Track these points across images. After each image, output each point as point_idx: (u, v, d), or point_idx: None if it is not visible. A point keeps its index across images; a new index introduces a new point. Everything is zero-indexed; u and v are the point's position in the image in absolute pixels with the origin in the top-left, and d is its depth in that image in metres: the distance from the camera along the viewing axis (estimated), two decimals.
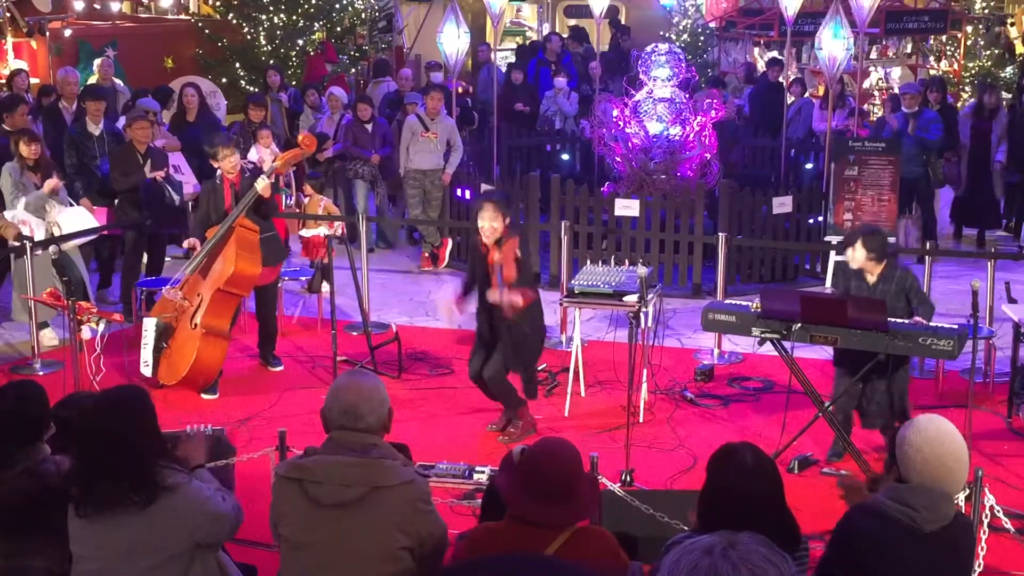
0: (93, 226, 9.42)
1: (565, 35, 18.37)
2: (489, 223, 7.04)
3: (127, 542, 3.86)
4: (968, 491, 5.32)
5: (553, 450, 3.86)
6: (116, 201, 9.94)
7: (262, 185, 8.06)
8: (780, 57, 15.83)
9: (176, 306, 8.12)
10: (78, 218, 9.30)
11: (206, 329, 8.00)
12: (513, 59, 17.56)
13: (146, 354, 8.08)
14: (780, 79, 14.41)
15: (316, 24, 16.48)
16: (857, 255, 6.79)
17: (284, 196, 11.09)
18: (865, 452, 6.95)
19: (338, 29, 17.08)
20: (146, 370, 8.07)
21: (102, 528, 3.87)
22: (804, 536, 3.74)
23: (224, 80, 15.55)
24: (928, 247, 9.58)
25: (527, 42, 20.40)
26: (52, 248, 8.76)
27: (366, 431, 3.91)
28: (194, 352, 7.94)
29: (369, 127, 12.01)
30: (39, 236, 8.88)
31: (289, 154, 8.66)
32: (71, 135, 10.32)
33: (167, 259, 10.51)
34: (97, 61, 13.45)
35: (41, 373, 8.38)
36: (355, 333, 9.38)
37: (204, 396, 8.15)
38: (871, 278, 6.84)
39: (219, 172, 8.36)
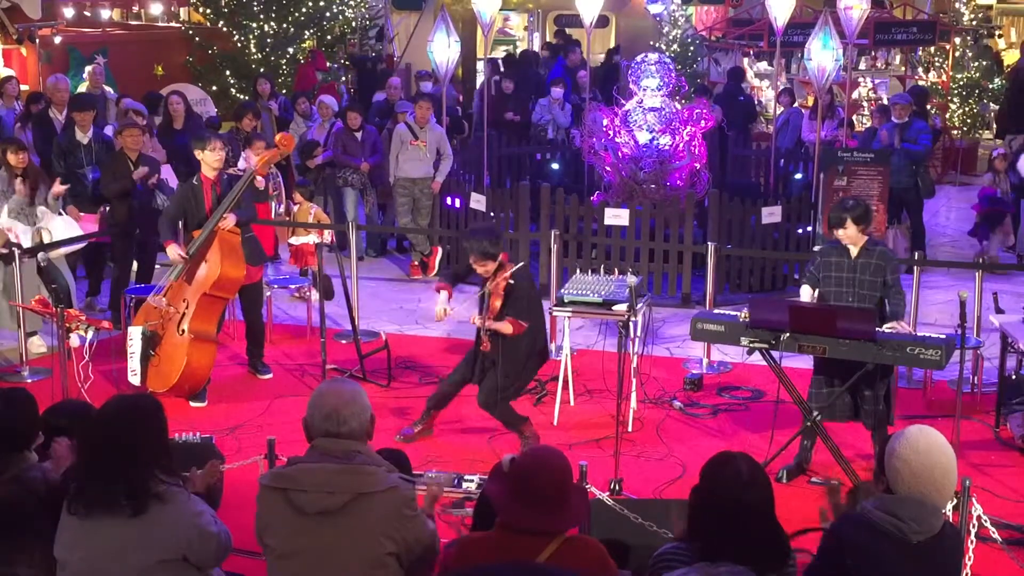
0: (81, 233, 9.41)
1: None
2: (479, 266, 7.12)
3: (116, 544, 3.88)
4: (955, 501, 5.33)
5: (542, 458, 3.87)
6: (107, 208, 9.93)
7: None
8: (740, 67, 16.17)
9: (162, 313, 8.10)
10: (67, 227, 9.29)
11: (194, 334, 7.99)
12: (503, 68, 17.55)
13: (134, 363, 8.05)
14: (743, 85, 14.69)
15: (307, 32, 16.49)
16: (849, 232, 6.84)
17: (273, 203, 11.08)
18: (852, 460, 6.97)
19: (328, 38, 17.08)
20: (134, 379, 8.05)
21: (92, 528, 3.89)
22: (792, 550, 3.74)
23: (214, 88, 15.54)
24: (917, 257, 9.61)
25: (516, 51, 20.44)
26: (41, 255, 8.74)
27: (349, 436, 3.91)
28: (184, 358, 7.93)
29: (359, 135, 12.02)
30: (26, 243, 8.86)
31: (267, 154, 8.64)
32: (59, 143, 10.30)
33: (157, 266, 10.48)
34: (87, 68, 13.43)
35: (29, 381, 8.36)
36: (344, 341, 9.38)
37: (193, 404, 8.13)
38: (853, 251, 6.90)
39: (197, 174, 8.33)
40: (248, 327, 8.82)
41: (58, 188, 9.22)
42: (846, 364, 6.73)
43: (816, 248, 8.69)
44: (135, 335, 8.06)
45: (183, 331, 8.00)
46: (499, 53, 20.51)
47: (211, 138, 8.33)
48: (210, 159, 8.21)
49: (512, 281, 7.09)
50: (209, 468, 4.54)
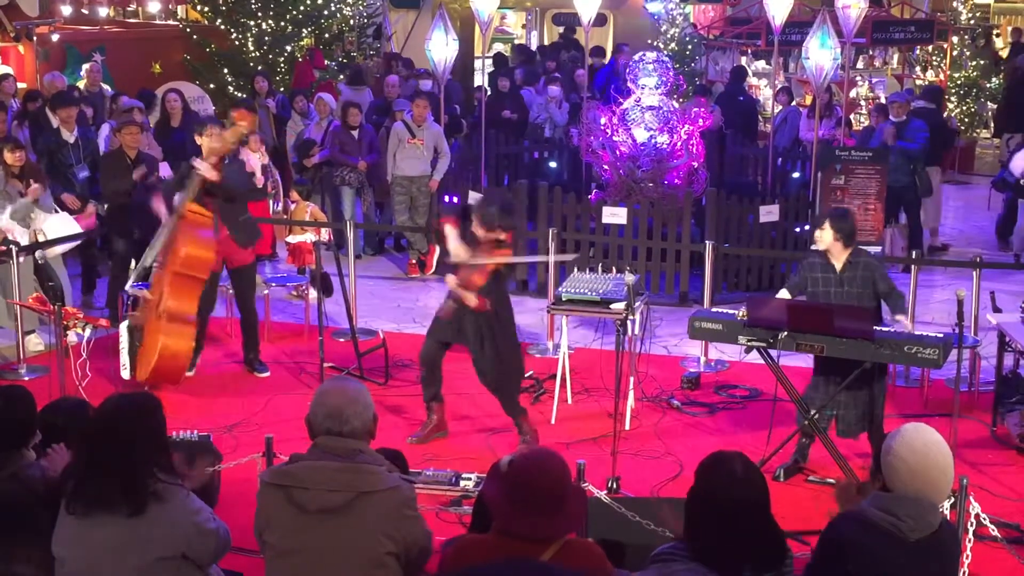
0: (77, 231, 9.42)
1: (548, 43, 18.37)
2: (480, 232, 7.03)
3: (115, 542, 3.87)
4: (953, 499, 5.34)
5: (540, 461, 3.80)
6: (106, 207, 9.94)
7: (203, 167, 8.09)
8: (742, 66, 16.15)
9: (145, 302, 8.23)
10: (63, 225, 9.29)
11: (168, 314, 8.03)
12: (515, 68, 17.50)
13: (124, 357, 8.16)
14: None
15: (304, 30, 16.48)
16: (825, 236, 6.84)
17: (271, 201, 11.09)
18: (849, 459, 6.97)
19: (326, 36, 17.07)
20: (125, 373, 8.13)
21: (91, 526, 3.89)
22: (790, 549, 3.74)
23: (212, 86, 15.53)
24: (914, 256, 9.62)
25: (508, 50, 20.42)
26: (38, 253, 8.75)
27: (351, 436, 3.90)
28: (159, 340, 7.97)
29: (356, 133, 12.02)
30: (22, 241, 8.86)
31: (226, 132, 8.59)
32: (46, 143, 10.33)
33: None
34: (85, 66, 13.42)
35: (27, 378, 8.35)
36: (342, 339, 9.38)
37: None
38: (837, 265, 6.89)
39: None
40: (242, 317, 8.81)
41: (34, 188, 9.16)
42: (848, 367, 6.72)
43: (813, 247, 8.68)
44: (123, 331, 8.16)
45: (159, 314, 8.08)
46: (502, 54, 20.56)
47: (208, 124, 8.42)
48: (208, 145, 8.29)
49: (502, 271, 7.07)
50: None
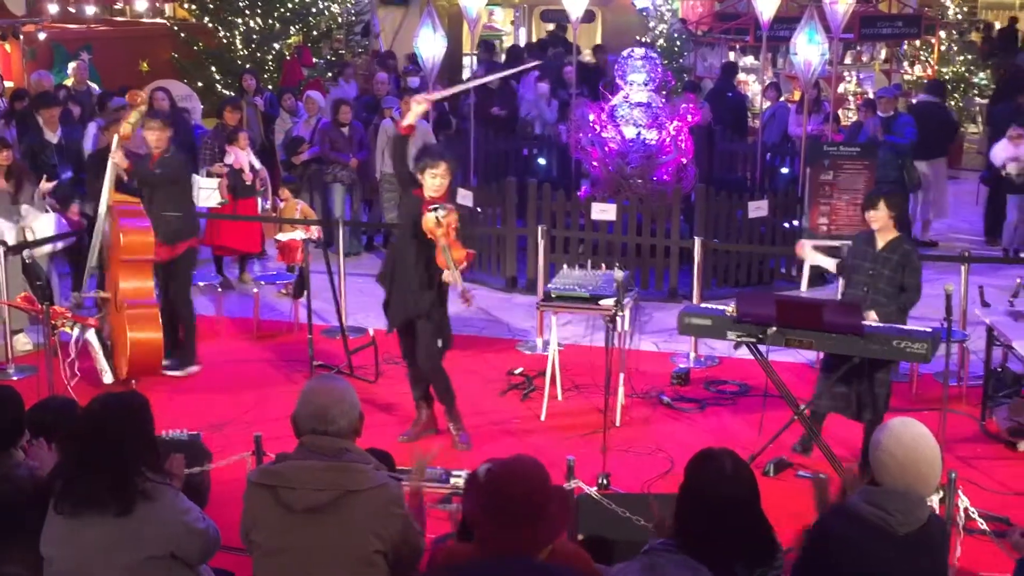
0: (65, 231, 9.40)
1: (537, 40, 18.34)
2: (442, 179, 7.02)
3: (104, 541, 3.86)
4: (942, 493, 5.36)
5: (518, 470, 3.64)
6: (80, 204, 9.94)
7: (118, 158, 8.26)
8: (732, 63, 16.12)
9: (104, 303, 8.33)
10: (51, 224, 9.27)
11: (127, 300, 8.09)
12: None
13: (100, 363, 8.20)
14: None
15: (292, 28, 16.46)
16: (880, 215, 6.89)
17: (260, 199, 11.07)
18: (843, 458, 6.98)
19: (314, 33, 17.05)
20: (106, 378, 8.13)
21: (80, 526, 3.88)
22: (780, 545, 3.74)
23: (200, 84, 15.51)
24: None
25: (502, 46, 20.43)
26: (25, 253, 8.72)
27: (337, 435, 3.89)
28: (127, 332, 8.02)
29: (345, 131, 12.00)
30: (10, 241, 8.83)
31: (124, 115, 8.66)
32: (30, 144, 10.31)
33: None
34: (72, 65, 13.39)
35: (15, 378, 8.33)
36: (332, 337, 9.37)
37: (173, 372, 8.42)
38: (880, 243, 6.93)
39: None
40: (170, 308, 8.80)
41: (45, 186, 9.22)
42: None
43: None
44: (91, 338, 8.20)
45: (119, 307, 8.13)
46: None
47: (148, 119, 8.53)
48: (150, 138, 8.46)
49: (458, 226, 7.06)
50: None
